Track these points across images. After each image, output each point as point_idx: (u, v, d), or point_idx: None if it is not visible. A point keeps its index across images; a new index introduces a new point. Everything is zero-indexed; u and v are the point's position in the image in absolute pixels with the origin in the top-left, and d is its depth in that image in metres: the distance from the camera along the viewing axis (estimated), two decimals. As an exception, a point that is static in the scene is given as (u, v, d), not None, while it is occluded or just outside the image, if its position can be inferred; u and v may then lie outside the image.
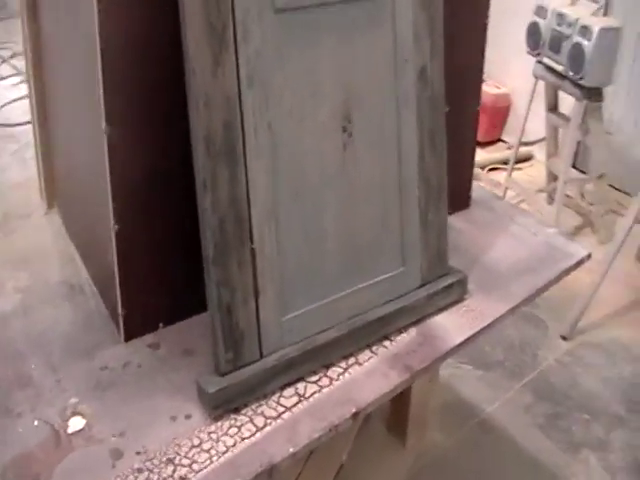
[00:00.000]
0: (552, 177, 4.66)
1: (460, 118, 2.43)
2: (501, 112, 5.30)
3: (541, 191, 4.79)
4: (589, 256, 2.48)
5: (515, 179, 4.68)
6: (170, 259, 1.99)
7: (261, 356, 1.81)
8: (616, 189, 4.91)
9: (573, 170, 4.66)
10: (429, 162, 2.09)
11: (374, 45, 1.94)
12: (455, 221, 2.48)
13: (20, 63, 6.31)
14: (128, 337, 2.01)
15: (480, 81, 2.56)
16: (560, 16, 4.07)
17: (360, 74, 1.93)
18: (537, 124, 4.67)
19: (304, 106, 1.83)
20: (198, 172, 1.70)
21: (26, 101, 5.51)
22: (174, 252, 1.99)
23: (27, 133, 5.07)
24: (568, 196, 4.60)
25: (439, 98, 2.08)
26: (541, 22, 4.19)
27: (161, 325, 2.05)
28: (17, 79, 6.12)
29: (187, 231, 1.90)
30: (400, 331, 2.05)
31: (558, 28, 4.06)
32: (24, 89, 5.75)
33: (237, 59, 1.70)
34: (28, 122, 5.15)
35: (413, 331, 2.06)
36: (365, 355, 1.97)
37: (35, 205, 2.72)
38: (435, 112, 2.08)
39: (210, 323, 1.76)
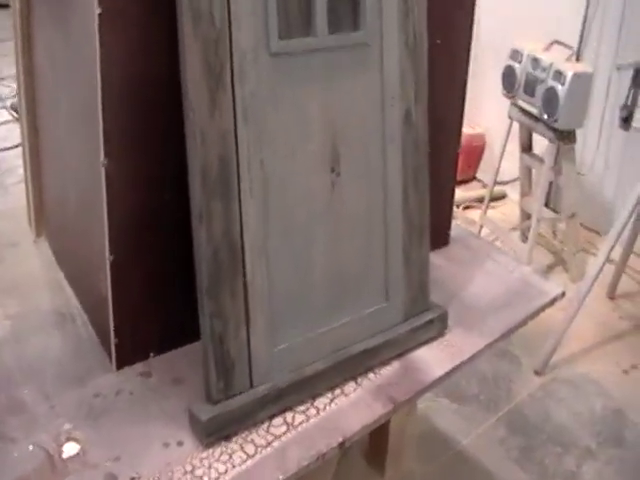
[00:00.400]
0: (525, 216, 4.78)
1: (440, 160, 2.53)
2: (476, 151, 5.42)
3: (514, 229, 4.90)
4: (563, 294, 2.57)
5: (490, 217, 4.79)
6: (163, 290, 2.05)
7: (251, 385, 1.88)
8: (587, 228, 5.03)
9: (546, 209, 4.77)
10: (413, 201, 2.17)
11: (362, 88, 2.03)
12: (435, 258, 2.56)
13: (0, 88, 6.36)
14: (120, 365, 2.06)
15: (460, 126, 2.66)
16: (535, 61, 4.20)
17: (349, 115, 2.01)
18: (511, 164, 4.79)
19: (295, 145, 1.91)
20: (194, 205, 1.78)
21: (5, 127, 5.55)
22: (167, 283, 2.05)
23: (6, 159, 5.14)
24: (541, 234, 4.71)
25: (423, 140, 2.18)
26: (516, 66, 4.31)
27: (152, 354, 2.10)
28: (-4, 105, 6.16)
29: (180, 262, 1.97)
30: (384, 364, 2.12)
31: (533, 72, 4.19)
32: (4, 115, 5.83)
33: (233, 99, 1.78)
34: (7, 148, 5.23)
35: (396, 364, 2.13)
36: (350, 386, 2.04)
37: (23, 233, 2.77)
38: (419, 153, 2.17)
39: (202, 352, 1.82)
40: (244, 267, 1.83)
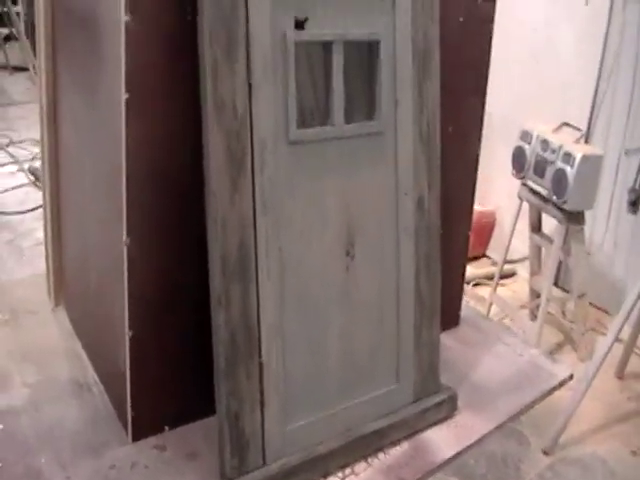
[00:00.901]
0: (535, 294, 4.82)
1: (452, 242, 2.60)
2: (486, 229, 5.49)
3: (524, 307, 4.94)
4: (571, 377, 2.61)
5: (499, 295, 4.83)
6: (179, 366, 2.11)
7: (264, 463, 1.92)
8: (597, 307, 5.06)
9: (555, 288, 4.81)
10: (424, 285, 2.23)
11: (377, 177, 2.12)
12: (445, 339, 2.61)
13: (17, 151, 6.46)
14: (136, 437, 2.12)
15: (471, 208, 2.73)
16: (544, 142, 4.28)
17: (363, 202, 2.09)
18: (521, 242, 4.85)
19: (312, 231, 1.99)
20: (213, 289, 1.84)
21: (22, 190, 5.63)
22: (184, 359, 2.11)
23: (23, 222, 5.22)
24: (550, 313, 4.74)
25: (435, 227, 2.25)
26: (526, 147, 4.40)
27: (167, 428, 2.15)
28: (14, 167, 6.23)
29: (197, 339, 2.03)
30: (394, 444, 2.17)
31: (542, 154, 4.27)
32: (21, 177, 5.94)
33: (253, 185, 1.86)
34: (24, 212, 5.32)
35: (406, 444, 2.18)
36: (361, 466, 2.08)
37: (42, 302, 2.84)
38: (431, 240, 2.24)
39: (218, 430, 1.87)
40: (260, 349, 1.89)
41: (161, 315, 2.05)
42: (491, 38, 2.63)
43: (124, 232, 1.94)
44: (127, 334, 2.01)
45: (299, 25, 1.93)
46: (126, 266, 1.96)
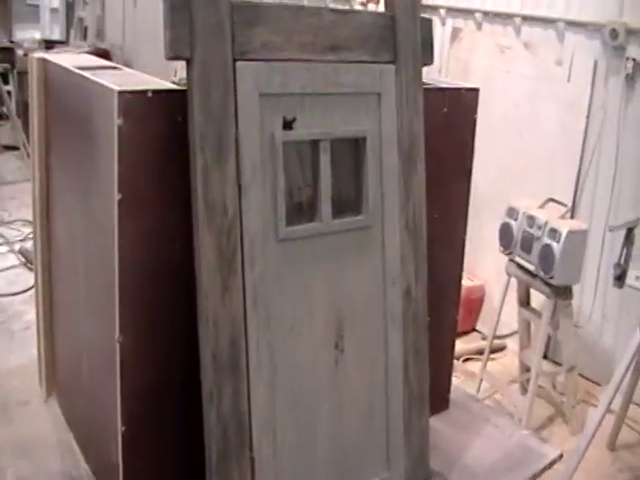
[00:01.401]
0: (525, 368, 4.84)
1: (440, 326, 2.63)
2: (475, 303, 5.53)
3: (514, 382, 4.96)
4: (561, 456, 2.63)
5: (489, 370, 4.85)
6: (171, 460, 2.13)
7: None
8: (587, 378, 5.08)
9: (545, 362, 4.84)
10: (413, 372, 2.26)
11: (365, 268, 2.16)
12: (435, 422, 2.63)
13: (8, 231, 6.49)
14: (128, 532, 2.12)
15: (459, 292, 2.78)
16: (530, 218, 4.34)
17: (352, 295, 2.13)
18: (510, 316, 4.88)
19: (301, 325, 2.02)
20: (205, 385, 1.87)
21: (13, 271, 5.64)
22: (175, 454, 2.13)
23: (12, 304, 5.23)
24: (540, 387, 4.75)
25: (422, 315, 2.29)
26: (513, 223, 4.46)
27: (159, 521, 2.16)
28: (4, 248, 6.25)
29: (189, 434, 2.05)
30: (386, 533, 2.18)
31: (529, 230, 4.33)
32: (11, 259, 5.96)
33: (244, 283, 1.90)
34: (15, 293, 5.33)
35: (397, 533, 2.18)
36: None
37: (34, 392, 2.84)
38: (418, 328, 2.27)
39: (210, 526, 1.88)
40: (251, 442, 1.92)
41: (153, 410, 2.07)
42: (475, 125, 2.70)
43: (117, 330, 1.96)
44: (119, 429, 2.02)
45: (287, 125, 1.99)
46: (119, 363, 1.99)
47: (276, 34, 1.98)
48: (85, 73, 2.19)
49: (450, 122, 2.58)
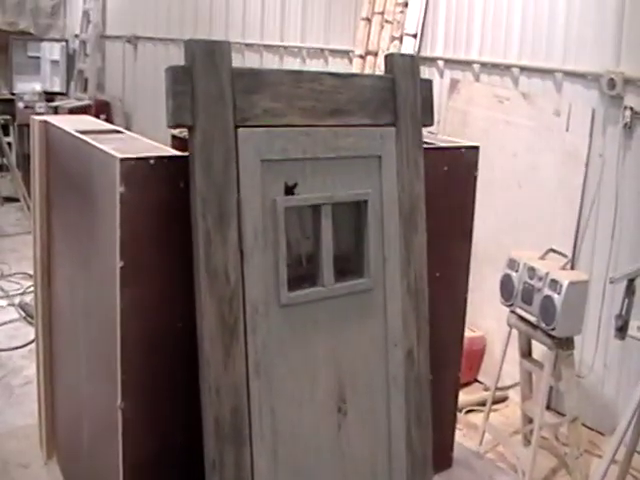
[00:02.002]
0: (527, 419, 4.80)
1: (442, 385, 2.62)
2: (476, 354, 5.50)
3: (516, 433, 4.92)
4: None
5: (491, 422, 4.82)
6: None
7: None
8: (590, 428, 5.04)
9: (547, 413, 4.80)
10: (415, 434, 2.25)
11: (367, 331, 2.15)
12: (438, 482, 2.62)
13: (8, 284, 6.47)
14: None
15: (460, 351, 2.77)
16: (531, 270, 4.33)
17: (354, 358, 2.12)
18: (512, 366, 4.86)
19: (303, 391, 2.01)
20: (207, 453, 1.86)
21: (12, 325, 5.62)
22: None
23: (12, 359, 5.20)
24: (543, 437, 4.72)
25: (424, 376, 2.28)
26: (513, 275, 4.45)
27: None
28: (4, 302, 6.23)
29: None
30: None
31: (529, 281, 4.32)
32: (12, 312, 5.94)
33: (246, 350, 1.90)
34: (15, 347, 5.31)
35: None
36: None
37: (34, 454, 2.82)
38: (421, 389, 2.26)
39: None
40: (254, 512, 1.90)
41: (155, 477, 2.05)
42: (475, 183, 2.71)
43: (118, 396, 1.96)
44: (122, 496, 2.01)
45: (289, 191, 2.00)
46: (120, 429, 1.98)
47: (277, 100, 2.00)
48: (87, 138, 2.21)
49: (451, 181, 2.59)
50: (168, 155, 2.00)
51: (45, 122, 2.62)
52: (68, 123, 2.52)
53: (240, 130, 1.92)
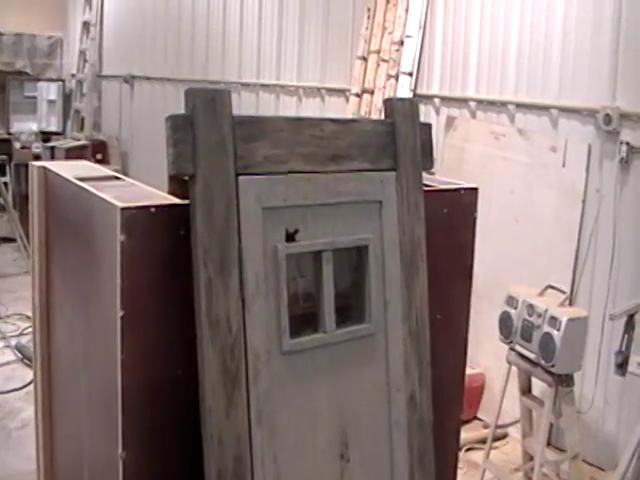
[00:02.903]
0: (528, 457, 4.78)
1: (443, 426, 2.60)
2: (475, 391, 5.49)
3: (517, 470, 4.89)
4: None
5: (492, 460, 4.80)
6: None
7: None
8: (590, 464, 5.01)
9: (548, 450, 4.78)
10: (419, 479, 2.23)
11: (368, 376, 2.15)
12: (442, 527, 2.59)
13: (4, 326, 6.46)
14: None
15: (462, 391, 2.75)
16: (530, 307, 4.34)
17: (356, 403, 2.12)
18: (511, 403, 4.84)
19: (306, 438, 2.00)
20: (210, 505, 1.84)
21: (9, 367, 5.61)
22: None
23: (9, 401, 5.19)
24: (545, 475, 4.69)
25: (427, 420, 2.27)
26: (512, 312, 4.45)
27: None
28: (0, 343, 6.22)
29: None
30: None
31: (528, 318, 4.32)
32: (8, 354, 5.93)
33: (248, 398, 1.89)
34: (11, 390, 5.29)
35: None
36: None
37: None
38: (424, 433, 2.25)
39: None
40: None
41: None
42: (475, 224, 2.71)
43: (119, 446, 1.94)
44: None
45: (290, 237, 2.00)
46: (121, 478, 1.96)
47: (278, 147, 2.00)
48: (87, 185, 2.21)
49: (450, 222, 2.59)
50: (169, 203, 2.00)
51: (44, 168, 2.62)
52: (67, 169, 2.53)
53: (241, 178, 1.92)
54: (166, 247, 1.95)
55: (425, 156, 2.33)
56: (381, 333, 2.17)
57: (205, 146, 1.87)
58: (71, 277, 2.42)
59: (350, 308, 2.15)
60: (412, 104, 2.33)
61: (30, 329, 5.96)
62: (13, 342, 6.15)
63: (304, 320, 2.06)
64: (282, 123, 2.04)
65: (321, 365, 2.05)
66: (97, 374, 2.17)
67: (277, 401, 1.94)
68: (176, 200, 2.02)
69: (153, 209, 1.94)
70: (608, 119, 4.70)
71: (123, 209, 1.89)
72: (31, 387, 5.10)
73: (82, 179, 2.31)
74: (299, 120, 2.09)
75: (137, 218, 1.91)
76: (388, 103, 2.32)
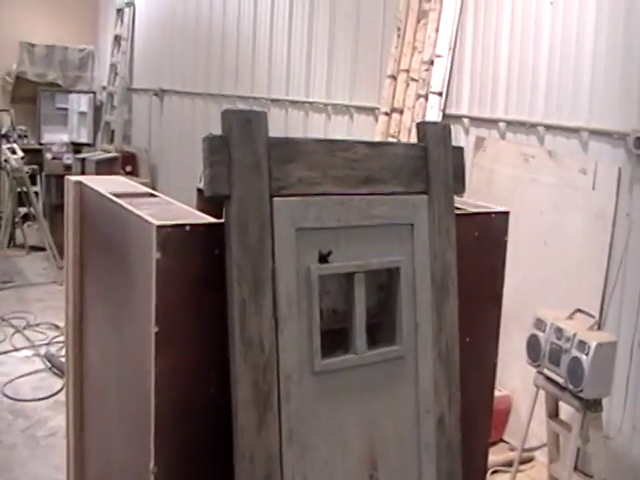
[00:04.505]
0: (554, 481, 4.77)
1: (471, 450, 2.60)
2: (501, 414, 5.46)
3: (544, 497, 4.87)
4: None
5: (518, 484, 4.78)
6: None
7: None
8: (617, 490, 4.98)
9: (575, 475, 4.75)
10: (447, 504, 2.24)
11: (398, 398, 2.16)
12: None
13: (33, 334, 6.51)
14: None
15: (490, 416, 2.75)
16: (558, 330, 4.32)
17: (385, 424, 2.13)
18: (538, 425, 4.82)
19: (336, 458, 2.01)
20: (240, 524, 1.85)
21: (38, 376, 5.66)
22: None
23: (37, 410, 5.23)
24: (571, 499, 4.67)
25: (456, 443, 2.27)
26: (540, 335, 4.43)
27: None
28: (29, 352, 6.27)
29: None
30: None
31: (557, 342, 4.30)
32: (37, 362, 5.98)
33: (280, 417, 1.90)
34: (39, 399, 5.33)
35: None
36: None
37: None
38: (452, 456, 2.26)
39: None
40: None
41: None
42: (505, 248, 2.71)
43: (152, 460, 1.96)
44: None
45: (323, 258, 2.01)
46: (154, 496, 1.98)
47: (311, 169, 2.02)
48: (123, 202, 2.23)
49: (481, 246, 2.60)
50: (204, 222, 2.02)
51: (80, 183, 2.65)
52: (102, 184, 2.56)
53: (275, 199, 1.94)
54: (200, 265, 1.97)
55: (457, 180, 2.34)
56: (411, 355, 2.17)
57: (240, 167, 1.89)
58: (105, 292, 2.45)
59: (381, 330, 2.16)
60: (445, 128, 2.35)
61: (59, 338, 6.05)
62: (42, 351, 6.19)
63: (335, 340, 2.07)
64: (316, 145, 2.06)
65: (352, 386, 2.06)
66: (130, 388, 2.19)
67: (308, 421, 1.95)
68: (211, 219, 2.04)
69: (188, 227, 1.96)
70: (639, 142, 4.68)
71: (159, 227, 1.91)
72: (59, 396, 5.17)
73: (118, 195, 2.34)
74: (332, 142, 2.11)
75: (173, 236, 1.93)
76: (421, 126, 2.34)
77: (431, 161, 2.26)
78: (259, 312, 1.88)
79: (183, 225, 1.97)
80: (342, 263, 2.05)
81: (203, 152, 1.89)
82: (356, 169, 2.12)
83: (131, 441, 2.19)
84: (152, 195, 2.51)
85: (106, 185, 2.55)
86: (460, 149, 2.39)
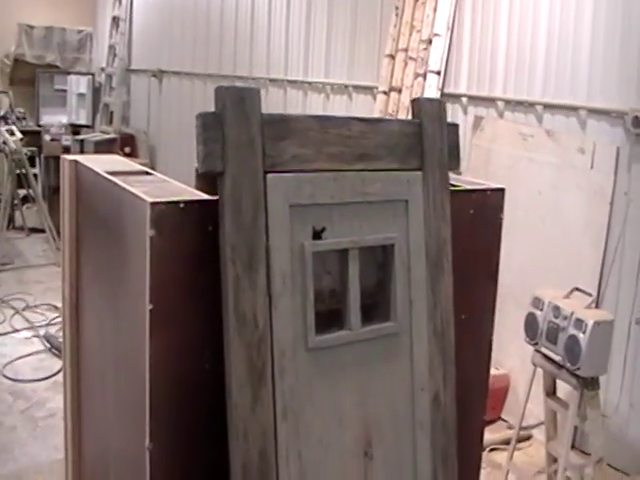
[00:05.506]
0: (552, 459, 4.77)
1: (467, 428, 2.60)
2: (500, 392, 5.48)
3: (541, 472, 4.88)
4: None
5: (515, 461, 4.79)
6: None
7: None
8: (615, 469, 4.99)
9: (572, 453, 4.77)
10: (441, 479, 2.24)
11: (393, 375, 2.16)
12: (464, 527, 2.59)
13: (32, 315, 6.53)
14: None
15: (486, 393, 2.76)
16: (556, 309, 4.32)
17: (380, 401, 2.13)
18: (535, 405, 4.83)
19: (330, 434, 2.02)
20: (235, 497, 1.86)
21: (37, 357, 5.68)
22: None
23: (37, 391, 5.25)
24: (568, 478, 4.68)
25: (451, 420, 2.27)
26: (538, 313, 4.44)
27: None
28: (29, 333, 6.29)
29: None
30: None
31: (554, 320, 4.30)
32: (36, 344, 6.00)
33: (274, 394, 1.91)
34: (38, 379, 5.35)
35: None
36: None
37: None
38: (447, 433, 2.26)
39: None
40: None
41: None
42: (501, 226, 2.70)
43: (147, 437, 1.96)
44: None
45: (317, 235, 2.01)
46: (148, 471, 1.98)
47: (305, 146, 2.02)
48: (117, 180, 2.23)
49: (476, 223, 2.59)
50: (197, 199, 2.02)
51: (75, 162, 2.65)
52: (98, 163, 2.55)
53: (269, 176, 1.94)
54: (194, 242, 1.97)
55: (452, 157, 2.33)
56: (406, 332, 2.18)
57: (234, 144, 1.89)
58: (100, 270, 2.45)
59: (375, 306, 2.16)
60: (440, 104, 2.34)
61: (58, 319, 6.07)
62: (42, 332, 6.21)
63: (329, 317, 2.07)
64: (310, 122, 2.05)
65: (346, 362, 2.06)
66: (125, 367, 2.19)
67: (302, 397, 1.96)
68: (205, 196, 2.04)
69: (182, 205, 1.96)
70: (637, 122, 4.67)
71: (153, 204, 1.91)
72: (58, 377, 5.19)
73: (113, 173, 2.33)
74: (327, 119, 2.10)
75: (166, 213, 1.93)
76: (416, 103, 2.33)
77: (426, 137, 2.26)
78: (253, 288, 1.88)
79: (177, 202, 1.97)
80: (336, 239, 2.05)
81: (196, 129, 1.89)
82: (350, 146, 2.11)
83: (127, 418, 2.20)
84: (147, 173, 2.50)
85: (101, 164, 2.54)
86: (455, 125, 2.39)
